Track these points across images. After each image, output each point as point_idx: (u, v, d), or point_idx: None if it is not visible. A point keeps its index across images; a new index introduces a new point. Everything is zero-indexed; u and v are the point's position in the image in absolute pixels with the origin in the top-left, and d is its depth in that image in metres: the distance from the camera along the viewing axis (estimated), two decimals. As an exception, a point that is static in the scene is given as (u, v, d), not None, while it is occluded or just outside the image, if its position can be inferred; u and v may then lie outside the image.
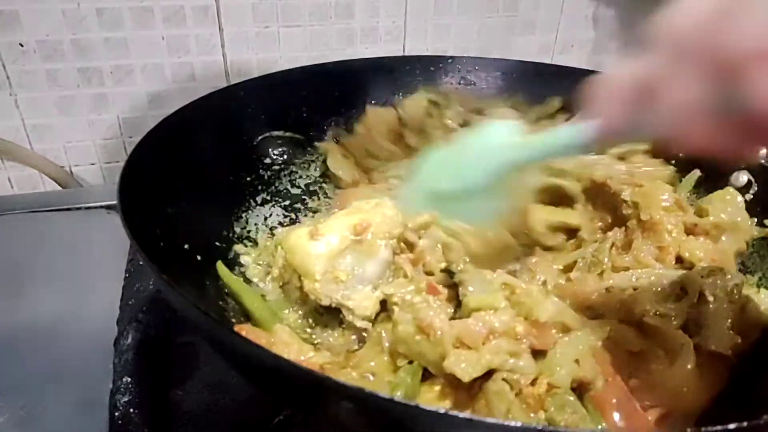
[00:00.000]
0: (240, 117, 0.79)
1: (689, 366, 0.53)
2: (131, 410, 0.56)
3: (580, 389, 0.51)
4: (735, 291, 0.57)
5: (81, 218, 0.88)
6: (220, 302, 0.62)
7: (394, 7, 1.04)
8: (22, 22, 0.86)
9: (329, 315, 0.62)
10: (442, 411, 0.36)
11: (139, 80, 0.96)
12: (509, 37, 1.15)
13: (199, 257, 0.63)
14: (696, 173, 0.78)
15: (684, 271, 0.62)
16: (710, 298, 0.56)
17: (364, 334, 0.60)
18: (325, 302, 0.59)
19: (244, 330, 0.55)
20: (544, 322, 0.54)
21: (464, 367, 0.49)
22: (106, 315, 0.67)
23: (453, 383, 0.51)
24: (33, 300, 0.72)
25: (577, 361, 0.51)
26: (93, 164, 1.01)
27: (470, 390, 0.51)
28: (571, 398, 0.49)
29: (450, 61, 0.94)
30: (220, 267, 0.65)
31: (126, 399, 0.57)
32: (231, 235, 0.72)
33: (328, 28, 1.02)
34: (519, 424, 0.38)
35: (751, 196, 0.73)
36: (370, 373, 0.54)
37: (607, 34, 1.22)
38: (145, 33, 0.93)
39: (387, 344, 0.56)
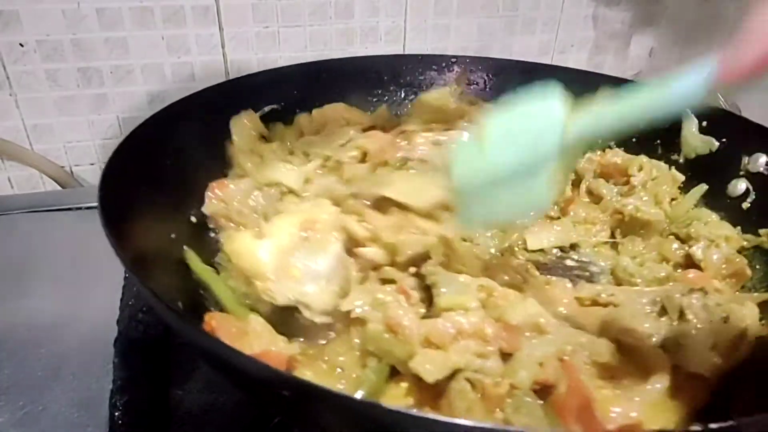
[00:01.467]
0: (223, 115, 0.79)
1: (661, 385, 0.52)
2: (131, 410, 0.56)
3: (543, 392, 0.51)
4: (717, 310, 0.55)
5: (81, 218, 0.88)
6: (202, 291, 0.62)
7: (394, 7, 1.04)
8: (22, 22, 0.86)
9: (284, 317, 0.59)
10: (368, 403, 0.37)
11: (139, 80, 0.96)
12: (509, 36, 1.15)
13: (185, 247, 0.64)
14: (703, 187, 0.77)
15: (664, 287, 0.61)
16: (690, 317, 0.55)
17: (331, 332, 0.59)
18: (281, 301, 0.57)
19: (215, 319, 0.54)
20: (514, 325, 0.53)
21: (429, 368, 0.49)
22: (106, 315, 0.67)
23: (419, 382, 0.51)
24: (33, 300, 0.72)
25: (541, 364, 0.51)
26: (93, 164, 1.01)
27: (436, 389, 0.50)
28: (529, 400, 0.49)
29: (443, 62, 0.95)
30: (190, 256, 0.64)
31: (126, 399, 0.57)
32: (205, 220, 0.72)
33: (328, 28, 1.02)
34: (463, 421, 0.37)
35: (749, 205, 0.73)
36: (340, 367, 0.54)
37: (607, 34, 1.22)
38: (145, 33, 0.92)
39: (357, 341, 0.55)
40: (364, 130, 0.84)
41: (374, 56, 0.94)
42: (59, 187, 0.99)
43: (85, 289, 0.74)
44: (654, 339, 0.55)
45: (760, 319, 0.58)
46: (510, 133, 0.52)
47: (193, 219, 0.70)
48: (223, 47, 0.98)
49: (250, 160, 0.78)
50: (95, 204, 0.93)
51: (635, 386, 0.52)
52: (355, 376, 0.53)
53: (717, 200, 0.75)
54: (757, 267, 0.67)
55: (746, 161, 0.74)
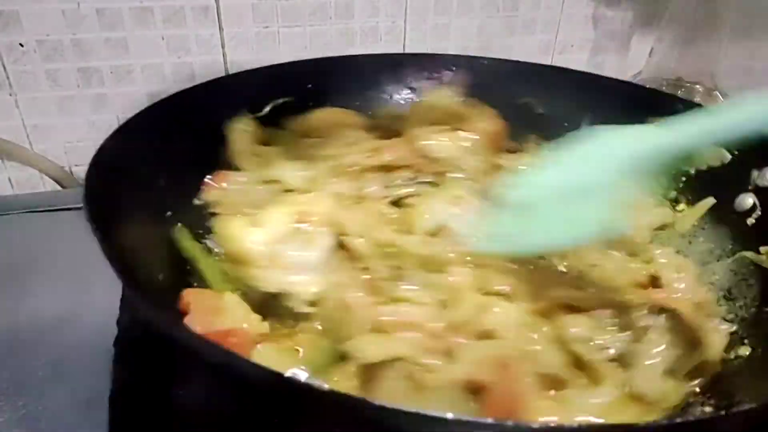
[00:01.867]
0: (217, 111, 0.79)
1: (604, 400, 0.51)
2: (131, 410, 0.56)
3: (476, 391, 0.50)
4: (682, 334, 0.54)
5: (81, 218, 0.88)
6: (188, 266, 0.64)
7: (394, 7, 1.04)
8: (22, 22, 0.86)
9: (271, 303, 0.61)
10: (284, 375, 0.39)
11: (139, 80, 0.96)
12: (509, 37, 1.15)
13: (178, 224, 0.66)
14: (710, 200, 0.75)
15: (634, 304, 0.59)
16: (652, 337, 0.54)
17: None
18: (268, 289, 0.59)
19: (191, 295, 0.56)
20: (462, 326, 0.54)
21: (364, 349, 0.50)
22: (106, 315, 0.67)
23: (362, 366, 0.52)
24: (33, 300, 0.72)
25: (478, 364, 0.51)
26: (93, 164, 1.01)
27: (374, 374, 0.51)
28: (455, 394, 0.49)
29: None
30: (181, 232, 0.66)
31: (126, 399, 0.57)
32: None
33: (328, 28, 1.02)
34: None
35: (754, 221, 0.71)
36: (298, 347, 0.55)
37: (607, 34, 1.22)
38: (145, 33, 0.93)
39: (316, 323, 0.57)
40: (367, 132, 0.85)
41: (370, 55, 0.94)
42: (59, 187, 0.99)
43: (85, 289, 0.74)
44: (609, 352, 0.54)
45: (743, 341, 0.58)
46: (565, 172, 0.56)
47: (197, 201, 0.72)
48: (223, 47, 0.98)
49: (252, 161, 0.79)
50: (95, 204, 0.93)
51: (577, 398, 0.51)
52: (308, 356, 0.54)
53: (723, 214, 0.74)
54: (753, 285, 0.66)
55: (755, 175, 0.72)
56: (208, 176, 0.75)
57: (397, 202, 0.75)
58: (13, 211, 0.89)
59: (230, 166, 0.78)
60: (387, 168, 0.77)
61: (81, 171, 1.01)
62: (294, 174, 0.76)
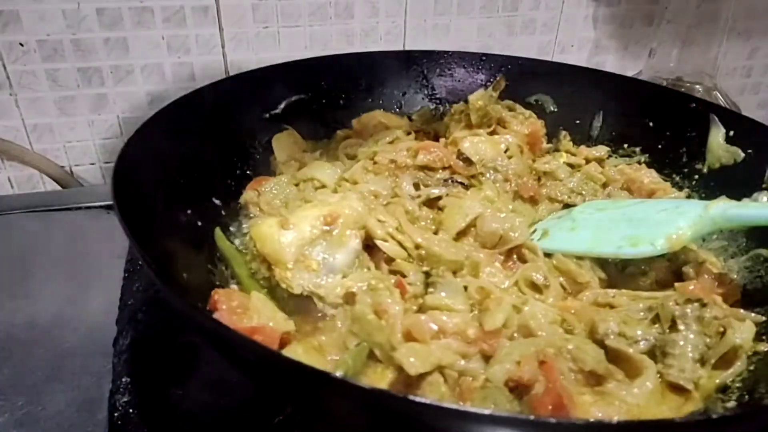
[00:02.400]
0: (234, 109, 0.82)
1: (643, 391, 0.52)
2: (131, 410, 0.56)
3: (521, 390, 0.51)
4: (713, 323, 0.55)
5: (81, 218, 0.88)
6: (209, 265, 0.66)
7: (394, 7, 1.04)
8: (22, 22, 0.86)
9: (298, 303, 0.62)
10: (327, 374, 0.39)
11: (139, 80, 0.96)
12: (509, 37, 1.15)
13: (199, 223, 0.68)
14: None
15: (665, 293, 0.61)
16: (681, 327, 0.55)
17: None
18: (297, 291, 0.60)
19: (219, 294, 0.57)
20: (493, 329, 0.54)
21: (413, 360, 0.50)
22: (106, 315, 0.67)
23: (399, 371, 0.52)
24: (33, 300, 0.72)
25: (518, 362, 0.51)
26: (93, 164, 1.01)
27: (410, 378, 0.51)
28: (500, 392, 0.50)
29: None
30: (218, 233, 0.69)
31: (126, 399, 0.57)
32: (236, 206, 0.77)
33: (328, 28, 1.02)
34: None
35: None
36: (320, 347, 0.56)
37: (607, 34, 1.22)
38: (145, 33, 0.93)
39: (342, 323, 0.58)
40: (407, 134, 0.88)
41: (399, 51, 0.98)
42: (59, 187, 0.99)
43: (85, 289, 0.74)
44: (641, 345, 0.55)
45: (761, 337, 0.58)
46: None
47: (218, 202, 0.74)
48: (223, 47, 0.98)
49: (292, 166, 0.82)
50: (95, 204, 0.94)
51: (618, 391, 0.52)
52: (336, 357, 0.55)
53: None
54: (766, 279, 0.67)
55: None
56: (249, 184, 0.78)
57: (429, 203, 0.75)
58: (13, 211, 0.89)
59: (269, 172, 0.81)
60: (423, 168, 0.78)
61: (81, 171, 1.01)
62: (328, 172, 0.78)
